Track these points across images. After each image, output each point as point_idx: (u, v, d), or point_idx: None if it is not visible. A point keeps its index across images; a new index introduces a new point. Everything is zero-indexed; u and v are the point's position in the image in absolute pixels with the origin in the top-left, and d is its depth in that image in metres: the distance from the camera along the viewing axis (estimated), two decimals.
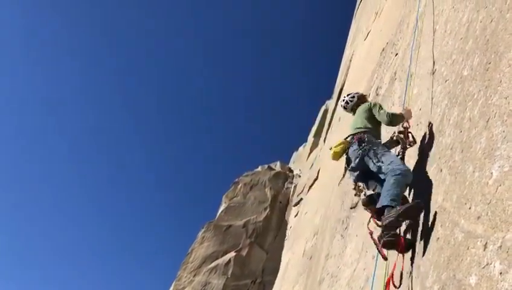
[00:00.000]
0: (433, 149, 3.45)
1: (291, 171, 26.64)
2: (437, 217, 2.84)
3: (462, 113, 2.94)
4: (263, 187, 23.59)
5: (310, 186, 15.20)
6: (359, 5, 18.79)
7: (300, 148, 32.09)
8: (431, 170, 3.30)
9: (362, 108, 4.36)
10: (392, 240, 3.15)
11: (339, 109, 13.96)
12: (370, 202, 3.71)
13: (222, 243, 21.26)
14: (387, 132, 4.38)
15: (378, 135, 4.13)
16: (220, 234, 21.60)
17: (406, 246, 3.19)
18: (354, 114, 4.54)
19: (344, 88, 14.82)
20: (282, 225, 21.00)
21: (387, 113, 4.12)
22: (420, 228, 3.16)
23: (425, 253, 2.87)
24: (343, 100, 4.81)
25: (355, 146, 3.94)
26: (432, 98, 3.95)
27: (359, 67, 12.62)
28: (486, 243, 2.03)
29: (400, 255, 3.20)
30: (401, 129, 4.08)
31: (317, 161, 16.73)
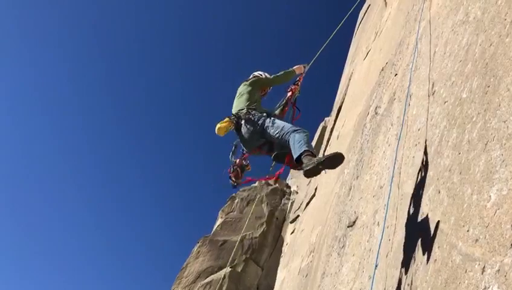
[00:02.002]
0: (431, 170, 3.46)
1: (288, 187, 26.56)
2: (435, 238, 2.83)
3: (461, 135, 2.96)
4: (260, 203, 23.49)
5: (307, 203, 15.16)
6: (359, 24, 19.00)
7: None
8: (429, 191, 3.30)
9: (244, 86, 4.89)
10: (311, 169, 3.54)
11: (338, 126, 14.01)
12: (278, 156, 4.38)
13: (217, 258, 21.08)
14: None
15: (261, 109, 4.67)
16: (215, 249, 21.43)
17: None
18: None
19: (343, 106, 14.89)
20: (278, 241, 20.87)
21: (277, 74, 5.08)
22: (418, 249, 3.16)
23: (423, 275, 2.86)
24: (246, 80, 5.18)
25: (248, 125, 4.38)
26: (431, 119, 3.97)
27: (358, 86, 12.70)
28: (484, 267, 2.03)
29: (401, 272, 3.20)
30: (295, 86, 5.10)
31: (315, 177, 16.70)
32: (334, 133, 15.46)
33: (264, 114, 4.44)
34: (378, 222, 4.73)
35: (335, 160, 3.59)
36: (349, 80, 15.73)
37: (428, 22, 5.56)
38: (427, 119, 4.12)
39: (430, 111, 4.12)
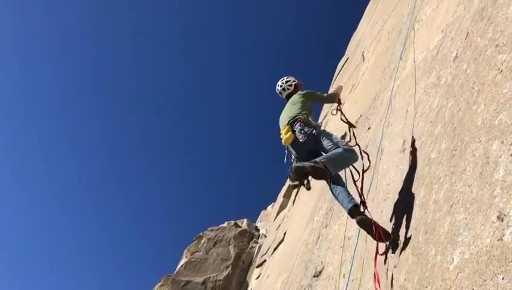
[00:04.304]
0: (399, 227, 3.50)
1: (257, 230, 26.31)
2: None
3: (428, 195, 3.03)
4: (227, 244, 23.12)
5: (275, 249, 14.99)
6: (337, 75, 19.58)
7: (269, 207, 31.91)
8: (397, 247, 3.33)
9: (298, 96, 4.87)
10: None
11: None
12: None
13: None
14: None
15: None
16: None
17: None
18: (287, 101, 4.99)
19: None
20: (242, 285, 20.42)
21: (327, 93, 5.23)
22: None
23: None
24: (280, 86, 5.23)
25: (305, 128, 4.31)
26: (401, 176, 4.06)
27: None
28: None
29: None
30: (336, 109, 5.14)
31: (285, 222, 16.63)
32: None
33: (320, 124, 4.53)
34: (344, 274, 4.71)
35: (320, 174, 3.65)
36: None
37: (402, 81, 5.79)
38: (397, 175, 4.21)
39: (400, 168, 4.22)
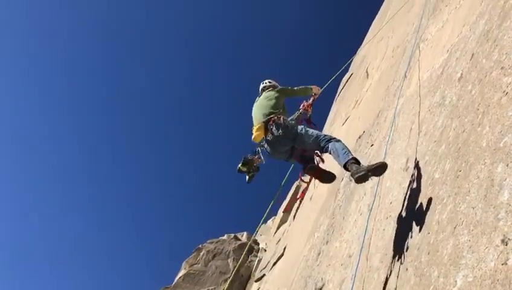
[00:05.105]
0: (402, 246, 3.48)
1: (257, 243, 26.14)
2: None
3: (431, 215, 3.01)
4: (226, 257, 22.97)
5: (274, 263, 14.89)
6: (340, 91, 19.64)
7: (269, 221, 31.77)
8: (397, 267, 3.31)
9: (273, 91, 5.18)
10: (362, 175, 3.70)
11: (311, 186, 14.08)
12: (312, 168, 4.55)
13: None
14: None
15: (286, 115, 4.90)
16: None
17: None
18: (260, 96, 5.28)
19: None
20: None
21: (299, 87, 5.47)
22: None
23: None
24: (264, 83, 5.60)
25: (280, 129, 4.55)
26: (404, 194, 4.05)
27: None
28: None
29: None
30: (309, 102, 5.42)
31: (285, 237, 16.54)
32: (308, 193, 15.50)
33: (294, 121, 4.72)
34: None
35: (381, 169, 3.78)
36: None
37: (407, 99, 5.80)
38: (400, 193, 4.19)
39: (403, 186, 4.20)
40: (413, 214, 3.46)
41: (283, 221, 21.60)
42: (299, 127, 4.60)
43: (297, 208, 16.86)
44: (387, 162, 3.93)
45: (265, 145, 4.76)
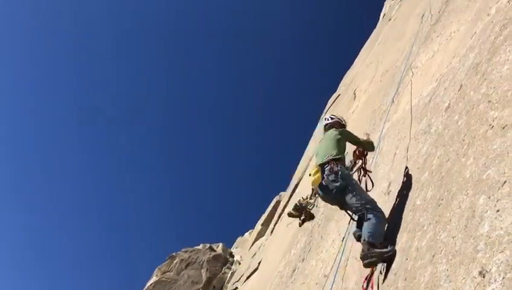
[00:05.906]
0: (379, 270, 3.48)
1: (232, 256, 25.95)
2: None
3: (411, 241, 3.02)
4: (200, 267, 22.73)
5: (248, 277, 14.79)
6: (326, 111, 19.79)
7: (246, 234, 31.60)
8: None
9: (336, 132, 4.69)
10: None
11: (291, 203, 14.07)
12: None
13: None
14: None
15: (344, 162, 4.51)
16: None
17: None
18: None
19: (299, 185, 15.08)
20: None
21: (364, 139, 4.94)
22: None
23: None
24: (326, 119, 5.14)
25: (331, 177, 4.13)
26: None
27: None
28: None
29: None
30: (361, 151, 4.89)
31: (261, 251, 16.45)
32: (287, 209, 15.48)
33: (348, 172, 4.33)
34: None
35: (390, 259, 3.38)
36: (310, 160, 16.09)
37: (393, 124, 5.86)
38: None
39: (383, 210, 4.21)
40: (393, 239, 3.47)
41: (260, 235, 21.52)
42: (351, 182, 4.15)
43: (276, 222, 16.81)
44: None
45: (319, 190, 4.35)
